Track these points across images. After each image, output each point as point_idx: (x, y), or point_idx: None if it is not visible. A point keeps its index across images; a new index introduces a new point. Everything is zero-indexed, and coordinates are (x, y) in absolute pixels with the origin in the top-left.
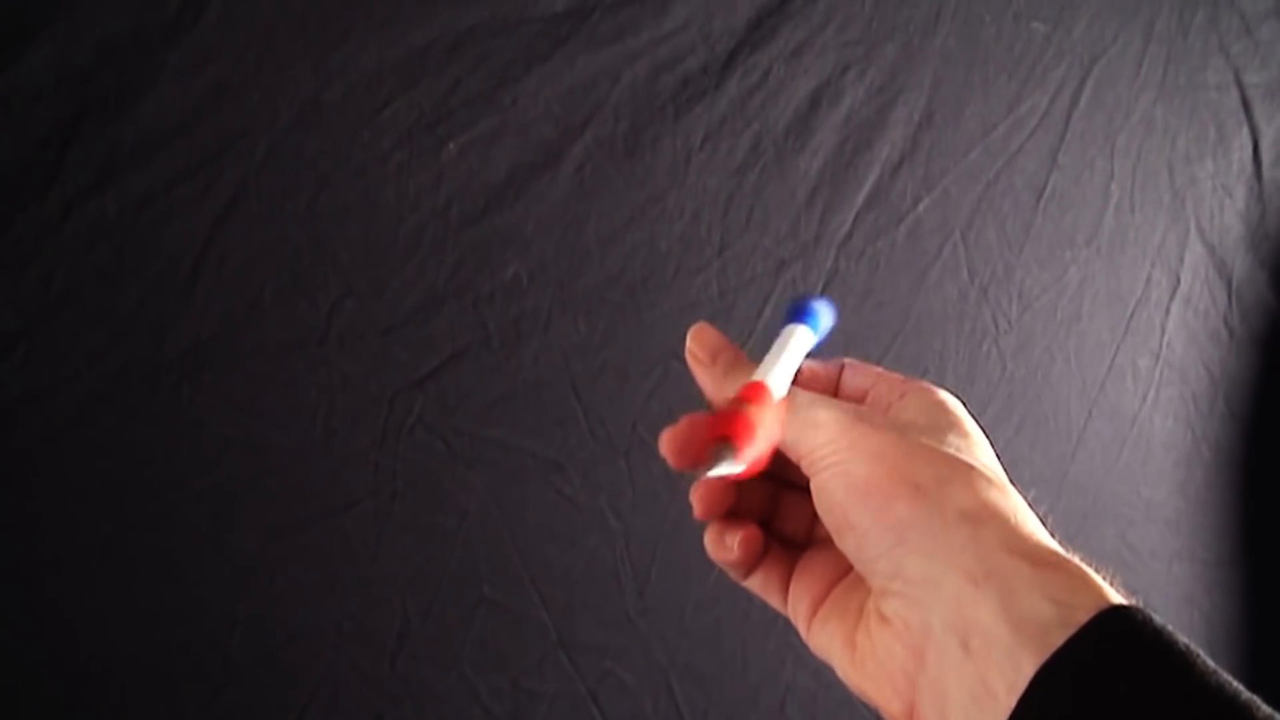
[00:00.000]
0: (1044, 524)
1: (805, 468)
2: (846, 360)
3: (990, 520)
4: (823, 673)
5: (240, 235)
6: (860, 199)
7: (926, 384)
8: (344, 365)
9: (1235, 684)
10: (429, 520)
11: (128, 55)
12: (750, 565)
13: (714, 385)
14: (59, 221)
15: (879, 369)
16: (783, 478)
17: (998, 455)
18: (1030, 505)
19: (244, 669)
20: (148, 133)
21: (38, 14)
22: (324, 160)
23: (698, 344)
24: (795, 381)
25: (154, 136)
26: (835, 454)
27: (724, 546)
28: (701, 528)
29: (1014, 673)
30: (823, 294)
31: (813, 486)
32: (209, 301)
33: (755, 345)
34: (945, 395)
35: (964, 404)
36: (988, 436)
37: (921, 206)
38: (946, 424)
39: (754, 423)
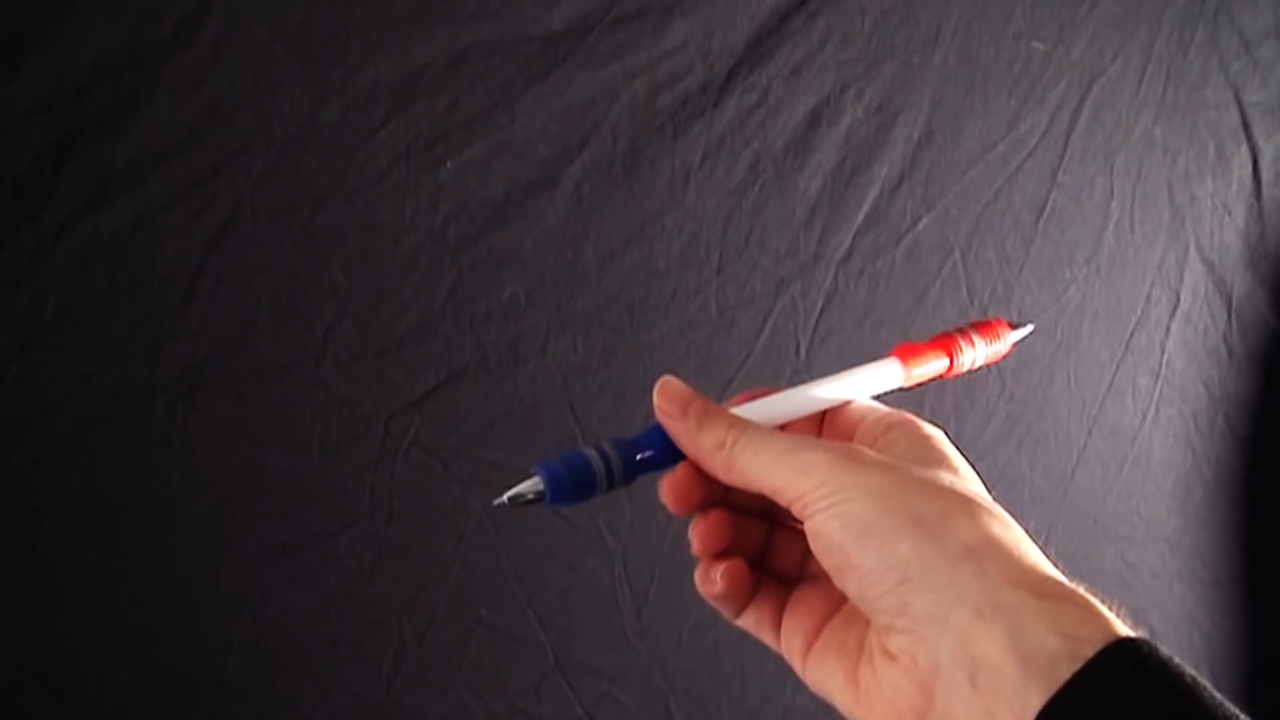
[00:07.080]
0: (1045, 552)
1: (798, 511)
2: None
3: (994, 553)
4: None
5: (235, 256)
6: (859, 218)
7: (910, 416)
8: (340, 386)
9: (1242, 716)
10: (425, 542)
11: (122, 74)
12: (737, 598)
13: (688, 438)
14: (52, 242)
15: (863, 403)
16: (772, 516)
17: (997, 474)
18: (1029, 534)
19: (239, 693)
20: (142, 152)
21: (31, 33)
22: (320, 180)
23: (665, 399)
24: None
25: (149, 156)
26: (829, 495)
27: (710, 580)
28: None
29: (1023, 707)
30: (821, 314)
31: (808, 529)
32: (204, 323)
33: (754, 365)
34: (930, 429)
35: (957, 430)
36: (987, 455)
37: (921, 225)
38: (935, 458)
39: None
